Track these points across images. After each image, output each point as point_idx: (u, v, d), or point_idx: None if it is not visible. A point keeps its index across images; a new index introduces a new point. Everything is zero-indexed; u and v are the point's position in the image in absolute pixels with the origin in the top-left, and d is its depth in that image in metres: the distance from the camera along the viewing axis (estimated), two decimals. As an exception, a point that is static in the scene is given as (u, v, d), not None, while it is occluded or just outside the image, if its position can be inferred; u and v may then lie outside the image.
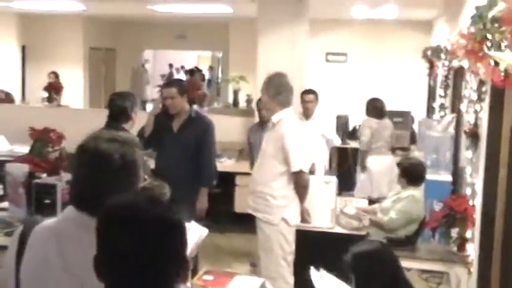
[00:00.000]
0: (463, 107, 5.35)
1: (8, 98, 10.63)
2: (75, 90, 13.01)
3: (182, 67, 24.14)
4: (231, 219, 7.41)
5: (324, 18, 11.09)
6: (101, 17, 13.76)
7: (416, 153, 7.47)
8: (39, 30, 13.32)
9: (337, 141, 7.56)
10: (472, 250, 4.44)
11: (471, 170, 4.73)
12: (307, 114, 6.94)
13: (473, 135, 4.62)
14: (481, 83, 4.30)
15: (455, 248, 4.78)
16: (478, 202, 4.32)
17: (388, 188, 7.60)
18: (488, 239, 4.02)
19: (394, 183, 7.66)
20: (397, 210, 5.07)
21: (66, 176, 4.22)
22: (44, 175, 4.45)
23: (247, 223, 5.27)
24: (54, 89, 10.36)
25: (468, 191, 4.74)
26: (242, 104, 12.01)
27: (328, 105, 9.91)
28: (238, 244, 6.99)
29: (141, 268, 1.46)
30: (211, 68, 22.84)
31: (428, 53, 8.96)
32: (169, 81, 6.89)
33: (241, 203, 6.67)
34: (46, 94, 10.67)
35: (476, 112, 4.57)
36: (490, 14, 3.26)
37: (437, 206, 5.12)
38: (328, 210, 5.01)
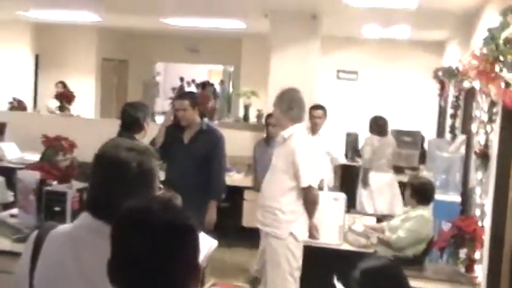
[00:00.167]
0: (473, 127, 5.35)
1: (20, 106, 10.70)
2: (87, 100, 13.09)
3: (193, 80, 24.26)
4: (238, 233, 7.40)
5: (336, 36, 11.14)
6: (115, 29, 13.87)
7: (425, 173, 7.47)
8: (53, 40, 13.42)
9: (342, 159, 7.55)
10: (480, 271, 4.42)
11: (481, 191, 4.72)
12: (314, 129, 6.97)
13: (484, 156, 4.61)
14: (492, 104, 4.31)
15: (463, 269, 4.75)
16: (487, 223, 4.31)
17: (387, 205, 7.68)
18: (496, 261, 4.00)
19: (393, 201, 7.83)
20: (406, 229, 5.06)
21: (77, 184, 4.26)
22: (55, 183, 4.48)
23: (255, 238, 5.27)
24: (65, 98, 10.41)
25: (477, 212, 4.72)
26: (252, 118, 12.04)
27: (338, 122, 9.94)
28: (246, 258, 6.97)
29: (154, 273, 1.47)
30: (222, 82, 22.92)
31: (440, 73, 8.97)
32: (181, 94, 6.96)
33: (249, 218, 6.69)
34: (55, 103, 10.72)
35: (486, 133, 4.57)
36: (502, 36, 3.27)
37: (446, 226, 5.11)
38: (336, 226, 5.01)
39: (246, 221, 7.24)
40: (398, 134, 9.14)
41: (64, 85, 10.87)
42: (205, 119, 6.24)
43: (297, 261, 4.66)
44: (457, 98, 7.65)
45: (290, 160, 4.57)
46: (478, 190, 4.81)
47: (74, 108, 10.94)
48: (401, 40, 10.97)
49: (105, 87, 14.46)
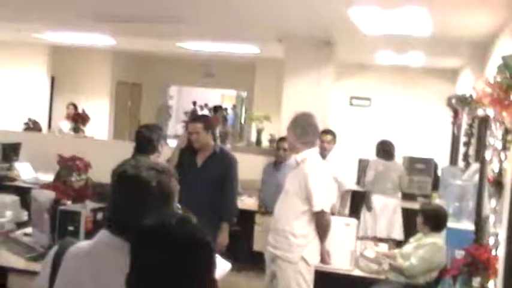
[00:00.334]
0: (487, 155, 5.34)
1: (36, 127, 10.80)
2: (101, 122, 13.19)
3: (206, 105, 24.37)
4: (249, 257, 7.37)
5: (350, 62, 11.19)
6: (129, 52, 14.02)
7: (438, 201, 7.44)
8: (68, 62, 13.59)
9: (349, 185, 7.54)
10: (493, 300, 4.38)
11: (494, 219, 4.69)
12: (323, 154, 6.97)
13: (497, 184, 4.59)
14: (506, 131, 4.30)
15: (476, 298, 4.71)
16: (501, 252, 4.28)
17: (386, 229, 7.73)
18: (510, 290, 3.98)
19: (393, 225, 7.97)
20: (419, 256, 5.04)
21: (91, 204, 4.30)
22: (69, 202, 4.51)
23: (265, 262, 5.25)
24: (80, 119, 10.50)
25: (491, 241, 4.69)
26: (265, 143, 12.05)
27: (350, 148, 9.95)
28: (256, 283, 6.92)
29: (172, 286, 1.49)
30: (234, 107, 23.04)
31: (453, 101, 8.97)
32: (195, 117, 7.01)
33: (260, 242, 6.66)
34: (66, 125, 10.80)
35: (500, 161, 4.55)
36: (517, 64, 3.29)
37: (459, 254, 5.08)
38: (347, 252, 5.00)
39: (257, 245, 7.21)
40: (411, 161, 9.14)
41: (75, 107, 10.96)
42: (218, 143, 6.27)
43: (308, 286, 4.64)
44: (470, 125, 7.64)
45: (303, 184, 4.58)
46: (491, 218, 4.78)
47: (88, 129, 11.03)
48: (415, 67, 11.00)
49: (119, 110, 14.59)
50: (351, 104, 12.52)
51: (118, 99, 14.55)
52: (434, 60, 10.19)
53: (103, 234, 1.94)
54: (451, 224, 5.53)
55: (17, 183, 7.82)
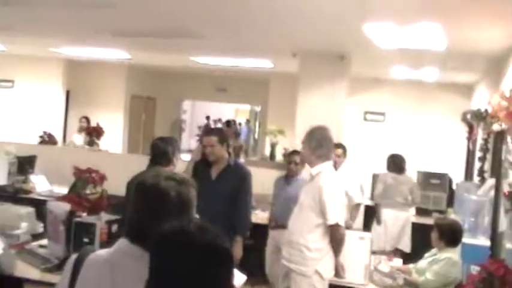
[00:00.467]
0: (503, 170, 5.31)
1: (51, 140, 10.86)
2: (115, 136, 13.26)
3: (219, 119, 24.46)
4: (262, 271, 7.35)
5: (364, 77, 11.20)
6: (144, 67, 14.13)
7: (453, 216, 7.40)
8: (83, 76, 13.70)
9: (358, 199, 7.50)
10: (509, 316, 4.33)
11: (510, 234, 4.66)
12: (333, 167, 6.96)
13: (513, 199, 4.57)
14: (523, 146, 4.29)
15: (491, 314, 4.66)
16: (516, 267, 4.24)
17: (394, 240, 7.91)
18: (526, 306, 3.94)
19: (401, 238, 8.01)
20: (434, 272, 5.00)
21: (106, 216, 4.32)
22: (84, 214, 4.54)
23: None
24: (95, 132, 10.56)
25: (507, 256, 4.66)
26: (279, 157, 12.04)
27: (364, 163, 9.92)
28: (269, 297, 6.92)
29: None
30: (248, 121, 23.11)
31: (468, 116, 8.95)
32: (209, 130, 7.03)
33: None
34: (78, 138, 10.87)
35: (516, 176, 4.54)
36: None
37: (475, 271, 5.03)
38: (362, 266, 4.97)
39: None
40: (426, 176, 9.10)
41: (88, 120, 11.03)
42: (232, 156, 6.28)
43: (322, 300, 4.62)
44: (485, 140, 7.61)
45: (317, 197, 4.58)
46: (507, 233, 4.75)
47: (103, 143, 11.08)
48: (430, 82, 10.98)
49: (133, 124, 14.67)
50: (365, 119, 12.52)
51: (132, 113, 14.64)
52: (448, 75, 10.17)
53: (122, 243, 1.96)
54: (466, 239, 5.49)
55: (32, 195, 7.87)
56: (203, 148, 5.43)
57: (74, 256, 2.03)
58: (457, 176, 9.78)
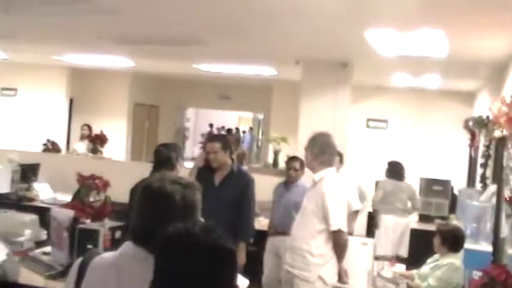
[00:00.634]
0: (504, 176, 5.33)
1: (54, 148, 10.89)
2: (118, 144, 13.28)
3: (223, 127, 24.52)
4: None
5: (366, 84, 11.23)
6: (147, 74, 14.17)
7: (455, 222, 7.41)
8: (86, 84, 13.74)
9: (356, 206, 7.50)
10: (512, 322, 4.33)
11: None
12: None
13: (515, 204, 4.58)
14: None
15: (494, 319, 4.67)
16: (519, 272, 4.25)
17: (393, 246, 7.97)
18: (528, 311, 3.94)
19: (401, 244, 8.10)
20: (436, 277, 5.02)
21: (110, 223, 4.34)
22: (88, 221, 4.56)
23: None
24: (99, 140, 10.58)
25: (509, 262, 4.66)
26: (282, 164, 12.05)
27: (367, 170, 9.94)
28: (272, 304, 6.91)
29: None
30: (251, 129, 23.16)
31: (470, 123, 8.97)
32: (213, 136, 7.05)
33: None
34: (81, 146, 10.90)
35: (518, 181, 4.55)
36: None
37: (477, 276, 5.04)
38: (364, 272, 4.97)
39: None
40: (428, 183, 9.11)
41: (89, 128, 11.06)
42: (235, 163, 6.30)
43: (325, 306, 4.63)
44: (487, 147, 7.63)
45: (320, 203, 4.59)
46: (509, 238, 4.76)
47: (106, 151, 11.11)
48: (432, 89, 11.01)
49: (136, 132, 14.70)
50: (368, 126, 12.54)
51: (135, 121, 14.68)
52: (450, 82, 10.20)
53: (128, 245, 1.99)
54: (468, 245, 5.50)
55: (35, 203, 7.88)
56: (206, 154, 5.46)
57: (79, 260, 2.05)
58: (460, 183, 9.79)
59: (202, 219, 2.11)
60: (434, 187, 9.00)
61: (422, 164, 10.99)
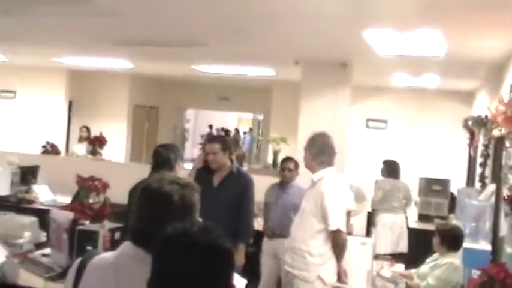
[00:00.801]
0: (503, 175, 5.34)
1: (53, 150, 10.91)
2: (118, 145, 13.29)
3: (222, 128, 24.54)
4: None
5: (366, 84, 11.22)
6: (147, 76, 14.18)
7: (455, 222, 7.42)
8: (86, 86, 13.73)
9: (350, 206, 7.51)
10: (511, 320, 4.34)
11: (511, 238, 4.68)
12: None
13: (513, 203, 4.58)
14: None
15: (493, 318, 4.67)
16: (517, 271, 4.26)
17: (393, 244, 8.01)
18: (527, 309, 3.95)
19: (400, 240, 8.12)
20: (436, 276, 5.03)
21: (109, 224, 4.35)
22: (87, 222, 4.57)
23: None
24: (98, 142, 10.60)
25: (508, 260, 4.67)
26: (281, 165, 12.05)
27: (367, 170, 9.95)
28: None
29: None
30: (251, 130, 23.19)
31: (469, 122, 8.97)
32: (212, 137, 7.05)
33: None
34: (80, 148, 10.91)
35: (516, 180, 4.55)
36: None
37: (476, 275, 5.05)
38: (364, 271, 4.98)
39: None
40: (428, 183, 9.12)
41: (88, 130, 11.07)
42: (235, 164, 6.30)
43: (325, 305, 4.64)
44: (486, 146, 7.63)
45: (319, 203, 4.60)
46: (508, 237, 4.77)
47: (106, 152, 11.13)
48: (431, 89, 11.01)
49: (136, 133, 14.71)
50: (367, 126, 12.55)
51: (135, 123, 14.68)
52: (449, 82, 10.20)
53: (127, 246, 2.00)
54: (467, 244, 5.51)
55: (35, 205, 7.89)
56: (206, 155, 5.46)
57: (77, 260, 2.06)
58: (459, 183, 9.79)
59: (201, 220, 2.12)
60: (434, 187, 9.00)
61: (421, 164, 11.00)
